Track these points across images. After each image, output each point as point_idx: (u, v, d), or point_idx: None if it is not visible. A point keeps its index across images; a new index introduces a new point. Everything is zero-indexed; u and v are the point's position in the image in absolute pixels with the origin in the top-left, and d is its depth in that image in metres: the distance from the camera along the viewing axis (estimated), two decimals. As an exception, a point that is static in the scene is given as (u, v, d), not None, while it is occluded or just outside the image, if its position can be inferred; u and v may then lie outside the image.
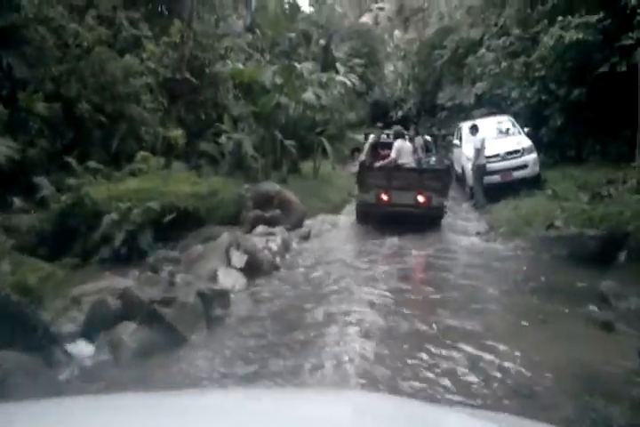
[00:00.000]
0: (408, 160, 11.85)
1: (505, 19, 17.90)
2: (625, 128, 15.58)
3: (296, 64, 13.32)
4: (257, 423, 1.31)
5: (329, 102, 19.51)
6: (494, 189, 13.85)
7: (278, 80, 12.15)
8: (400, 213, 11.01)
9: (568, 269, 8.79)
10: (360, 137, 16.34)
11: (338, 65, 16.15)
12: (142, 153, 10.74)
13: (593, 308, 6.62)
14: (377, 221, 11.18)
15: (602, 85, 15.61)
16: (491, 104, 17.84)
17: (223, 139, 13.28)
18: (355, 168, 13.69)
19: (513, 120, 15.77)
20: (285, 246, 8.87)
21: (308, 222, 11.30)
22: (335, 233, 10.96)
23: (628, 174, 13.81)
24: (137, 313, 5.18)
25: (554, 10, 15.77)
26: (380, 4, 41.77)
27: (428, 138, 14.65)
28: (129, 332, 4.96)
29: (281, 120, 12.72)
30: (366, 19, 39.78)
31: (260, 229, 9.34)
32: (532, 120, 16.13)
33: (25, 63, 10.24)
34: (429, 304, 6.56)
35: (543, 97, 16.76)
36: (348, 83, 16.47)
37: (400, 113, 28.12)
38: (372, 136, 13.76)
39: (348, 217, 12.55)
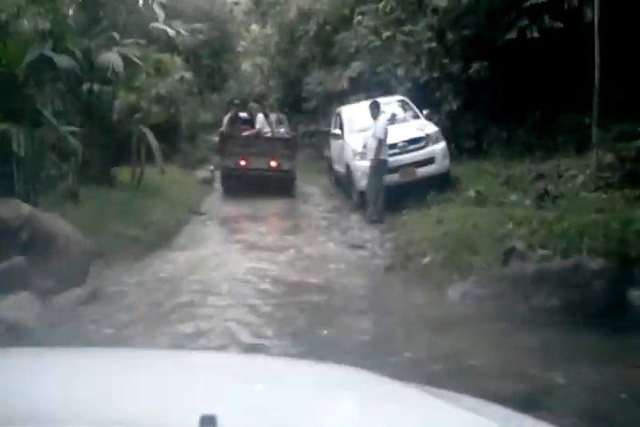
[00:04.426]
0: (267, 131, 12.77)
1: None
2: (531, 111, 11.77)
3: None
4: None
5: (168, 90, 14.33)
6: (391, 192, 9.28)
7: (39, 19, 6.61)
8: (257, 176, 11.80)
9: (585, 345, 4.27)
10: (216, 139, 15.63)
11: (156, 7, 10.74)
12: None
13: None
14: (239, 190, 11.74)
15: (505, 58, 11.74)
16: (370, 87, 13.38)
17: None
18: (204, 173, 14.88)
19: (407, 101, 11.36)
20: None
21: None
22: (149, 284, 5.70)
23: (562, 166, 9.87)
24: None
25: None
26: (236, -1, 36.64)
27: (282, 115, 14.94)
28: None
29: (58, 92, 7.22)
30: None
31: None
32: (423, 104, 11.81)
33: None
34: None
35: (434, 75, 12.56)
36: (171, 32, 11.22)
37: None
38: (230, 111, 14.40)
39: (183, 251, 7.32)
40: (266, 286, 5.67)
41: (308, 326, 4.66)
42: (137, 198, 8.62)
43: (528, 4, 10.88)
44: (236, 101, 15.42)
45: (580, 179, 8.44)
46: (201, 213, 10.22)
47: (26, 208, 5.17)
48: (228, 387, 1.19)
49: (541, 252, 5.89)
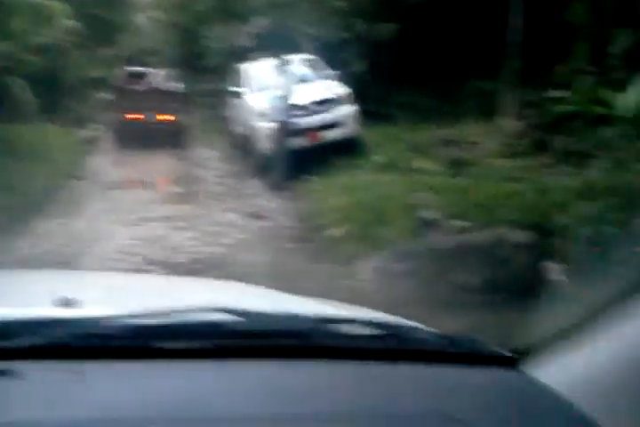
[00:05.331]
0: (158, 85, 13.28)
1: None
2: (437, 76, 11.41)
3: None
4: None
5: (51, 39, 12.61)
6: (296, 157, 8.51)
7: None
8: (148, 129, 12.16)
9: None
10: (107, 96, 15.09)
11: None
12: None
13: None
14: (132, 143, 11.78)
15: (413, 20, 11.24)
16: (276, 45, 12.37)
17: None
18: (90, 132, 13.70)
19: (316, 61, 10.55)
20: None
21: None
22: None
23: (469, 132, 9.55)
24: None
25: None
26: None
27: (174, 70, 15.06)
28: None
29: None
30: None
31: None
32: (332, 66, 11.04)
33: None
34: None
35: (344, 35, 11.81)
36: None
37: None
38: (124, 66, 14.90)
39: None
40: (150, 266, 4.76)
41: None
42: (3, 161, 7.26)
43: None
44: (131, 56, 16.27)
45: (489, 145, 8.10)
46: (83, 178, 8.94)
47: None
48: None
49: (458, 223, 5.42)
